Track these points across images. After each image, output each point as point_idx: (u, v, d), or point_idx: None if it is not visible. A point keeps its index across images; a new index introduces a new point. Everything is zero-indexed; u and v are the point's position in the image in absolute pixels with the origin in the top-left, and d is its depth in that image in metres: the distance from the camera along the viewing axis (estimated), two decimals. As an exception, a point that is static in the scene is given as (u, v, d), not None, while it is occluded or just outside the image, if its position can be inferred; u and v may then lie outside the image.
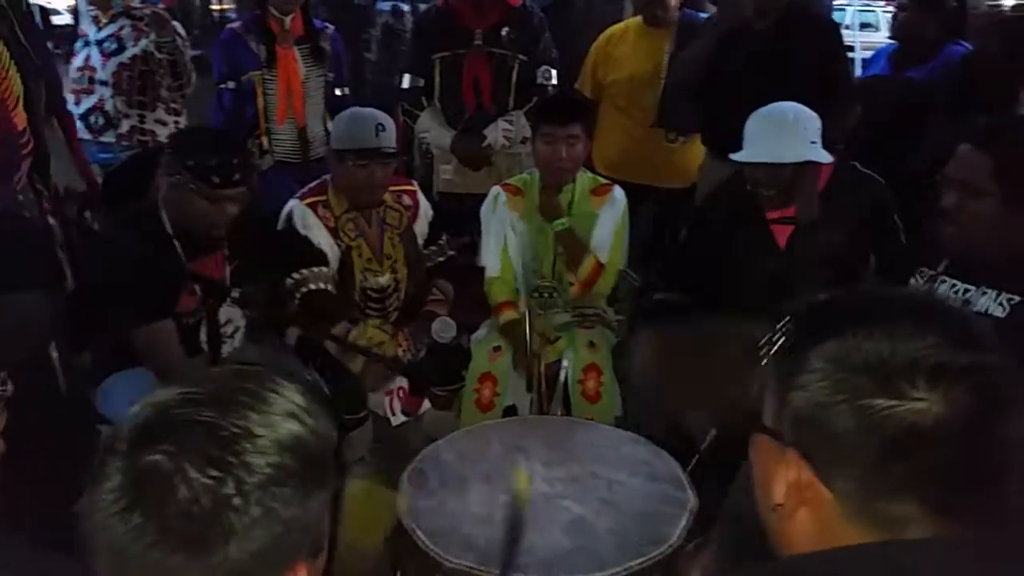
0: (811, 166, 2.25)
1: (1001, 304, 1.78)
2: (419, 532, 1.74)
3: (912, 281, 1.98)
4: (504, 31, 3.11)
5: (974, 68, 2.70)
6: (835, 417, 0.75)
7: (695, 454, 2.21)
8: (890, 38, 3.44)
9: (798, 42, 2.80)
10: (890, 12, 11.46)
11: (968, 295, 1.84)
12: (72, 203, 2.70)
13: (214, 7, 5.69)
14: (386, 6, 6.48)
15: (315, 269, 2.48)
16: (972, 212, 1.75)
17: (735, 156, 2.30)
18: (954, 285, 1.88)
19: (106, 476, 0.73)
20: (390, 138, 2.50)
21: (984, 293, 1.81)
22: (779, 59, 2.77)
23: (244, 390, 0.77)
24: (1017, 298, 1.76)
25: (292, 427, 0.76)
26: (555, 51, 3.22)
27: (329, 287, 2.49)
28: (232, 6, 6.30)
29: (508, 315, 2.60)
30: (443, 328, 2.40)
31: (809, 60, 2.77)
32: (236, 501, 0.71)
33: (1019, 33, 2.53)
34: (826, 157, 2.27)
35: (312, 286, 2.47)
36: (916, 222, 2.37)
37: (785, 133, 2.23)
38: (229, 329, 2.37)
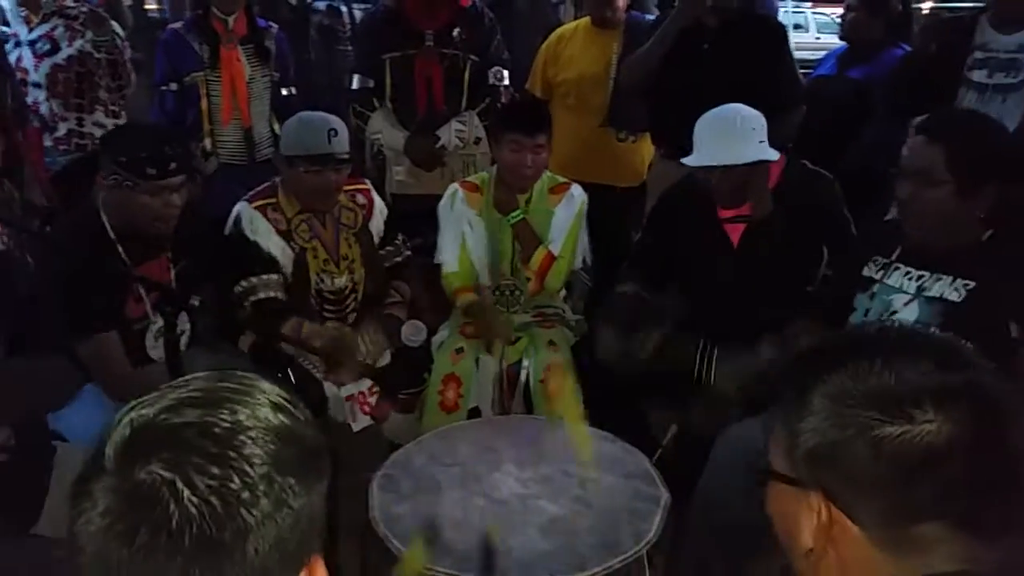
0: (762, 165, 2.30)
1: (957, 290, 1.85)
2: (394, 540, 1.71)
3: (865, 270, 2.04)
4: (455, 31, 3.09)
5: (912, 68, 2.79)
6: (850, 452, 0.77)
7: (657, 448, 2.25)
8: (840, 39, 3.55)
9: (746, 43, 2.86)
10: (819, 14, 11.89)
11: (922, 281, 1.91)
12: (34, 218, 2.62)
13: (149, 7, 5.51)
14: (322, 5, 6.38)
15: (264, 277, 2.44)
16: (928, 201, 1.81)
17: (687, 161, 2.34)
18: (908, 272, 1.95)
19: (91, 498, 0.67)
20: (343, 143, 2.46)
21: (939, 279, 1.88)
22: (727, 59, 2.82)
23: (226, 388, 0.74)
24: (972, 283, 1.83)
25: (282, 418, 0.74)
26: (507, 52, 3.22)
27: (279, 295, 2.45)
28: (163, 6, 6.11)
29: (467, 297, 2.60)
30: (413, 332, 2.38)
31: (757, 61, 2.83)
32: (245, 495, 0.67)
33: (956, 34, 2.62)
34: (775, 155, 2.32)
35: (261, 295, 2.43)
36: (859, 216, 2.45)
37: (734, 135, 2.27)
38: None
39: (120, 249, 2.17)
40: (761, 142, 2.31)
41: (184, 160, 2.18)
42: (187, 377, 0.78)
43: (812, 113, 3.01)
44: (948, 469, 0.75)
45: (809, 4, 12.03)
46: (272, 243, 2.47)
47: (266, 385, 0.77)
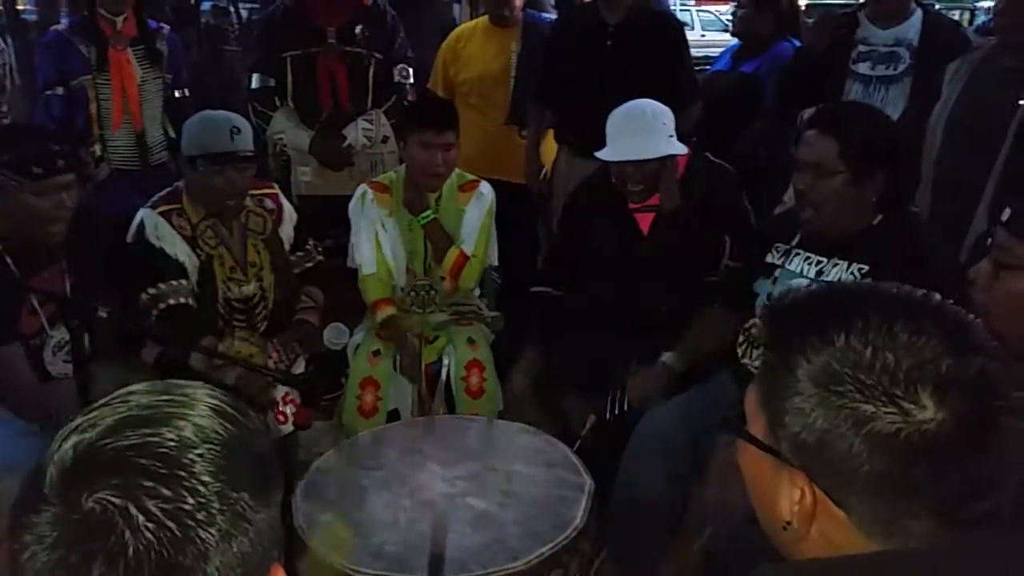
0: (671, 159, 2.38)
1: (853, 274, 1.95)
2: (323, 547, 1.69)
3: (768, 256, 2.14)
4: (358, 29, 3.05)
5: (805, 63, 2.92)
6: (840, 445, 0.72)
7: (576, 439, 2.29)
8: (731, 35, 3.68)
9: (647, 40, 2.94)
10: (703, 11, 12.28)
11: (821, 266, 2.01)
12: None
13: (21, 7, 5.20)
14: (207, 5, 6.20)
15: (173, 283, 2.36)
16: (824, 191, 1.91)
17: (600, 155, 2.39)
18: (808, 257, 2.05)
19: (34, 531, 0.63)
20: (246, 141, 2.39)
21: (836, 264, 1.98)
22: (629, 57, 2.89)
23: (166, 402, 0.71)
24: (866, 267, 1.94)
25: (228, 427, 0.71)
26: (411, 50, 3.20)
27: (189, 301, 2.37)
28: (30, 6, 5.80)
29: (385, 311, 2.57)
30: (335, 335, 2.34)
31: (658, 57, 2.92)
32: (201, 516, 0.64)
33: (844, 29, 2.75)
34: (683, 149, 2.41)
35: (172, 301, 2.34)
36: (755, 204, 2.56)
37: (645, 130, 2.35)
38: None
39: (8, 259, 2.07)
40: (670, 136, 2.39)
41: (71, 158, 2.09)
42: (120, 393, 0.74)
43: (706, 106, 3.12)
44: (941, 464, 0.71)
45: (694, 2, 12.45)
46: (178, 249, 2.39)
47: (205, 393, 0.74)
